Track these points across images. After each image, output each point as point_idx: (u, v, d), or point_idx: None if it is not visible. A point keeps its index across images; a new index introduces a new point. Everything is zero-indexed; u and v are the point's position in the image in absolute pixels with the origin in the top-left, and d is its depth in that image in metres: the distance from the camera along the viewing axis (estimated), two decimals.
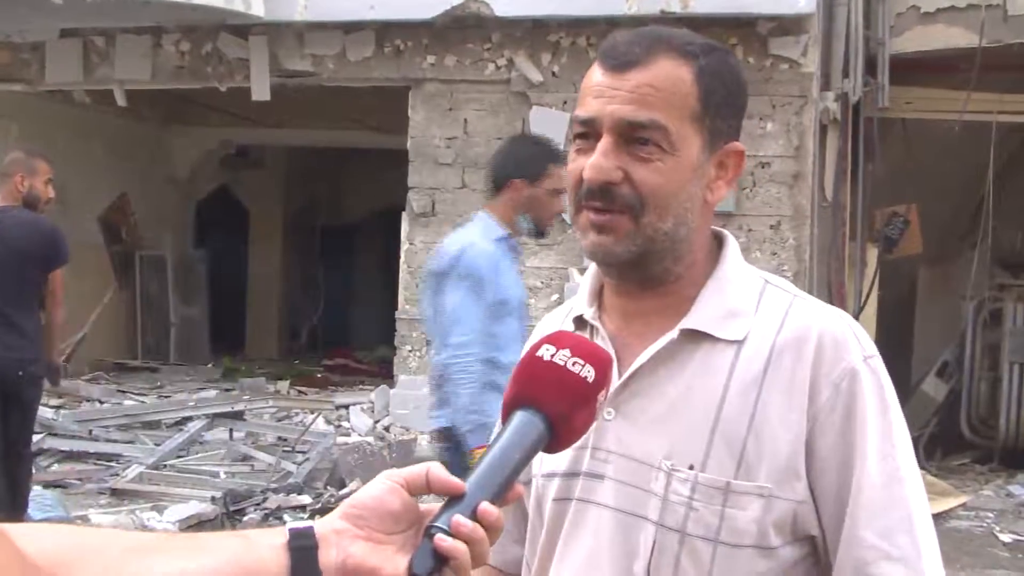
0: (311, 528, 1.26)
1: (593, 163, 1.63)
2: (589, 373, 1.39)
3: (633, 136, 1.63)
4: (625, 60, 1.65)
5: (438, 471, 1.29)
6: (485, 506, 1.26)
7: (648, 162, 1.63)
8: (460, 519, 1.24)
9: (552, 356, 1.40)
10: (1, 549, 0.95)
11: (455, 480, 1.28)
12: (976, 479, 10.31)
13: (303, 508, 7.80)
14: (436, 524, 1.25)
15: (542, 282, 10.46)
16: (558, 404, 1.37)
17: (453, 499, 1.27)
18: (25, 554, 0.99)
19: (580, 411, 1.40)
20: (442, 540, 1.23)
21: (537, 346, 1.43)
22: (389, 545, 1.27)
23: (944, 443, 10.99)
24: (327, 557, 1.25)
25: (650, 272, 1.69)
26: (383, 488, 1.29)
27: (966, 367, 11.32)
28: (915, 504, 1.61)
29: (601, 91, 1.66)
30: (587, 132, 1.67)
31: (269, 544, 1.24)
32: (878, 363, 1.65)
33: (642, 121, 1.62)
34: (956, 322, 11.65)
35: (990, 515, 8.89)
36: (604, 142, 1.64)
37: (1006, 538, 8.26)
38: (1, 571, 0.94)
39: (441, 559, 1.23)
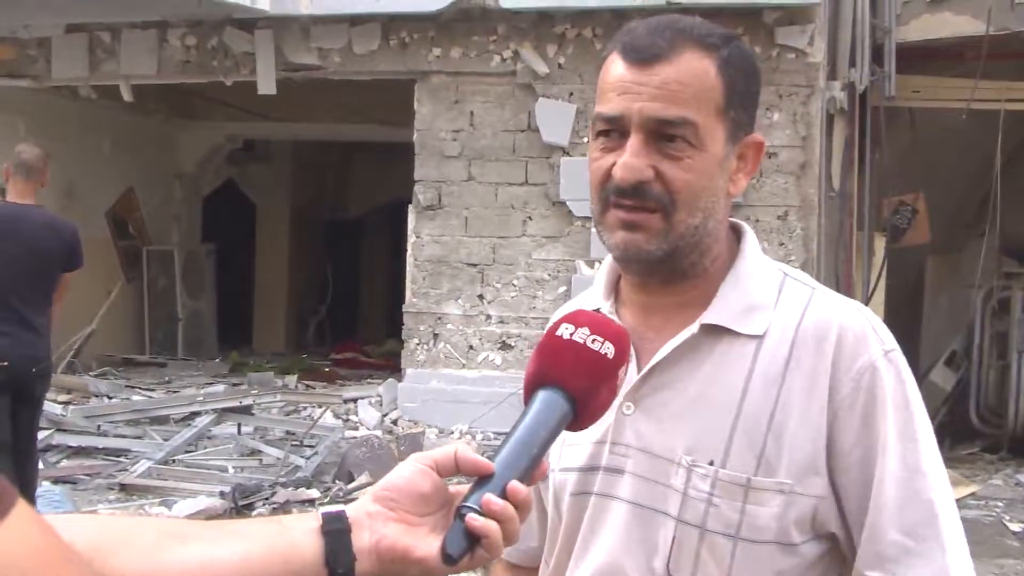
0: (343, 512, 1.28)
1: (626, 163, 1.60)
2: (608, 350, 1.40)
3: (662, 132, 1.61)
4: (649, 54, 1.61)
5: (465, 452, 1.30)
6: (514, 484, 1.27)
7: (678, 159, 1.61)
8: (491, 498, 1.25)
9: (571, 335, 1.41)
10: (41, 533, 0.96)
11: (483, 460, 1.29)
12: (985, 468, 10.30)
13: (312, 502, 7.81)
14: (467, 504, 1.26)
15: (549, 275, 10.45)
16: (580, 381, 1.38)
17: (482, 479, 1.28)
18: (63, 539, 1.00)
19: (602, 387, 1.40)
20: (474, 519, 1.24)
21: (556, 326, 1.44)
22: (421, 526, 1.28)
23: (953, 432, 10.97)
24: (360, 539, 1.26)
25: (678, 267, 1.68)
26: (413, 470, 1.31)
27: (975, 356, 11.31)
28: (938, 497, 1.59)
29: (626, 87, 1.62)
30: (611, 129, 1.64)
31: (303, 529, 1.26)
32: (898, 356, 1.64)
33: (672, 118, 1.60)
34: (964, 311, 11.63)
35: (999, 504, 8.89)
36: (634, 140, 1.61)
37: (1016, 527, 8.25)
38: (42, 554, 0.94)
39: (473, 538, 1.25)
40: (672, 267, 1.67)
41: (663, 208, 1.61)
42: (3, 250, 6.61)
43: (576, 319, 1.44)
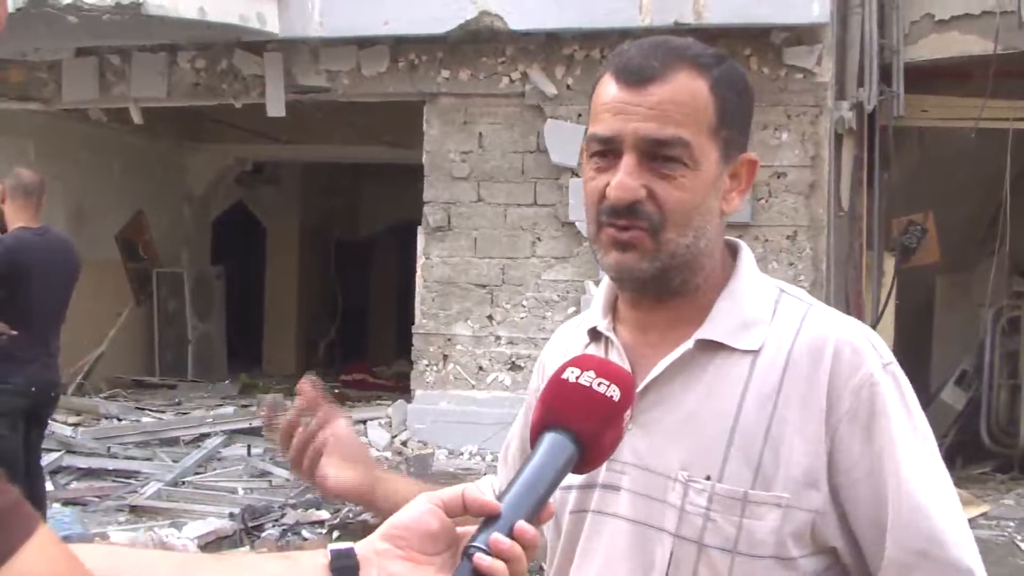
0: (352, 549, 1.29)
1: (619, 183, 1.62)
2: (615, 393, 1.40)
3: (656, 152, 1.62)
4: (643, 75, 1.63)
5: (474, 492, 1.30)
6: (521, 524, 1.27)
7: (672, 179, 1.62)
8: (498, 537, 1.25)
9: (577, 378, 1.41)
10: (64, 557, 0.98)
11: (491, 501, 1.29)
12: (996, 488, 10.25)
13: (321, 523, 7.79)
14: (474, 544, 1.26)
15: (559, 295, 10.45)
16: (586, 424, 1.38)
17: (489, 519, 1.28)
18: (84, 565, 1.01)
19: (608, 430, 1.40)
20: (481, 559, 1.24)
21: (562, 369, 1.44)
22: (429, 566, 1.29)
23: (964, 452, 10.93)
24: None
25: (670, 285, 1.69)
26: (422, 509, 1.31)
27: (985, 375, 11.26)
28: (953, 501, 1.62)
29: (620, 108, 1.64)
30: (605, 150, 1.65)
31: (312, 564, 1.27)
32: (896, 369, 1.65)
33: (666, 138, 1.61)
34: (974, 330, 11.60)
35: (1011, 524, 8.84)
36: (627, 160, 1.62)
37: None
38: None
39: None
40: (663, 285, 1.68)
41: (651, 227, 1.63)
42: (53, 284, 6.63)
43: (582, 363, 1.44)
